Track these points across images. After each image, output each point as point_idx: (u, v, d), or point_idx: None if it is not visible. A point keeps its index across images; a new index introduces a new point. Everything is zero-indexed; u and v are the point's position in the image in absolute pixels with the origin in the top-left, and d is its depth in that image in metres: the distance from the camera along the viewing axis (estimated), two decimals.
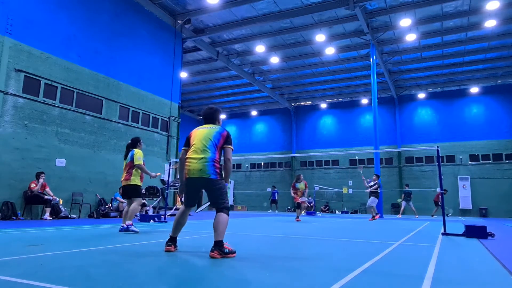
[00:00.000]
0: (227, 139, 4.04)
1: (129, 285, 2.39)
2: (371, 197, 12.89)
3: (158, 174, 7.25)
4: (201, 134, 4.06)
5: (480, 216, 22.84)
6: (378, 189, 13.14)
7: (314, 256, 3.92)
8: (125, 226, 6.31)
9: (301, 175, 12.82)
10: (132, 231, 6.28)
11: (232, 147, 4.07)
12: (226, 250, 3.67)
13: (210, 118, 4.27)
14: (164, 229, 7.45)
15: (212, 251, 3.63)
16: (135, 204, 6.54)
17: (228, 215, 3.85)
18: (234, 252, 3.78)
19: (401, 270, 3.17)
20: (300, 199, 12.26)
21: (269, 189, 27.00)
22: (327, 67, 22.90)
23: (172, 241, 4.04)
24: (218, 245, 3.65)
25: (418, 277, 2.80)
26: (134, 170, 6.60)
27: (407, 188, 19.96)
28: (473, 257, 4.08)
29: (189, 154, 4.00)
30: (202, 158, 3.89)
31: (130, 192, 6.61)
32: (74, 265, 3.07)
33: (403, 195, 19.98)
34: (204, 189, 3.96)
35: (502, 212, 22.74)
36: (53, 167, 11.23)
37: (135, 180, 6.59)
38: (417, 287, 2.48)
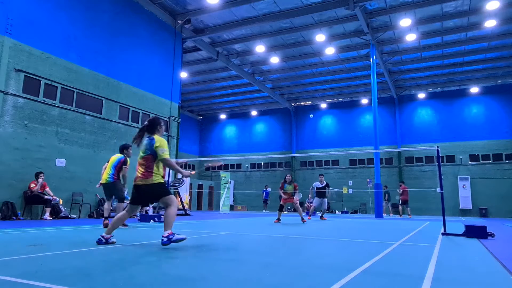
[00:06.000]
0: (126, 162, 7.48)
1: (129, 285, 2.39)
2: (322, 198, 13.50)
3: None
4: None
5: (480, 216, 22.85)
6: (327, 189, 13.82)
7: (314, 256, 3.92)
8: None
9: (290, 176, 11.52)
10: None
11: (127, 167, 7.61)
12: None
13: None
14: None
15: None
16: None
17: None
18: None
19: (401, 270, 3.17)
20: (295, 199, 11.09)
21: (269, 189, 26.99)
22: (327, 67, 22.89)
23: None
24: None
25: (418, 277, 2.80)
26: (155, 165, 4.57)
27: (386, 188, 20.09)
28: (473, 257, 4.08)
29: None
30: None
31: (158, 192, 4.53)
32: (74, 265, 3.07)
33: (386, 195, 20.26)
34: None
35: (502, 212, 22.74)
36: (53, 167, 11.23)
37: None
38: (417, 287, 2.48)
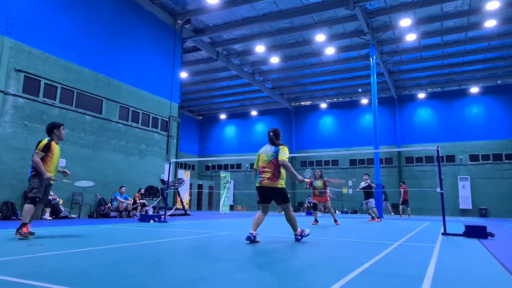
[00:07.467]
0: None
1: (129, 285, 2.39)
2: (370, 199, 12.51)
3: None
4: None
5: (480, 216, 22.84)
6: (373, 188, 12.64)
7: (314, 256, 3.92)
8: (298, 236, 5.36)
9: (319, 171, 10.99)
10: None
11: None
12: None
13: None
14: (164, 229, 7.45)
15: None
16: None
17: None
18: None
19: (401, 270, 3.17)
20: (327, 197, 10.56)
21: None
22: (327, 67, 22.90)
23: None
24: None
25: (418, 277, 2.80)
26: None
27: (382, 188, 20.14)
28: (473, 257, 4.08)
29: None
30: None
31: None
32: (74, 265, 3.08)
33: (383, 195, 20.28)
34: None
35: (502, 212, 22.74)
36: None
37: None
38: (417, 287, 2.48)
